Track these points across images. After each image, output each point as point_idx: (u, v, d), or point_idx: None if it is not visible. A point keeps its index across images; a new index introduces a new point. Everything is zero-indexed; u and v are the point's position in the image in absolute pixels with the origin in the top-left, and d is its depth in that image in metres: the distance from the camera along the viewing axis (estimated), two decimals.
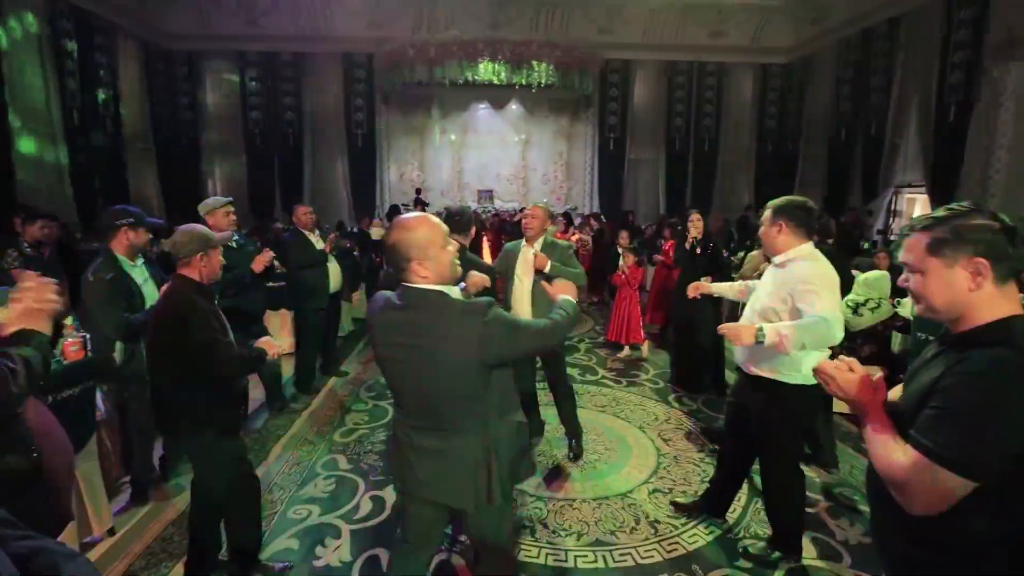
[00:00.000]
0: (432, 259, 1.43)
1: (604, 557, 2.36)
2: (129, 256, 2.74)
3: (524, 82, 10.88)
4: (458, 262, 1.54)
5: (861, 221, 9.93)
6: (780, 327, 1.91)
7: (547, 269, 2.99)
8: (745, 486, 2.93)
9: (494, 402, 1.50)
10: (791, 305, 2.01)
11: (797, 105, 12.60)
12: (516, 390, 1.64)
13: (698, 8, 11.86)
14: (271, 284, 4.76)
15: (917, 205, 10.19)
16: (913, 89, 9.53)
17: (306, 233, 4.19)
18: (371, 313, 1.57)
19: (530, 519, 2.64)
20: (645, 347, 5.49)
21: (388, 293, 1.56)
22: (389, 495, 2.84)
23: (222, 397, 2.06)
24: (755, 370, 2.16)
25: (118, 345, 2.67)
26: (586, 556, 2.36)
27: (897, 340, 4.22)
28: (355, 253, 5.44)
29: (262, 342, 2.15)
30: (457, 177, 13.40)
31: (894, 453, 1.00)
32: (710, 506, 2.64)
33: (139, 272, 2.79)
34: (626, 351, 5.47)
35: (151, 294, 2.75)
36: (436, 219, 1.52)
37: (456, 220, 2.82)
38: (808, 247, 2.10)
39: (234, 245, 3.40)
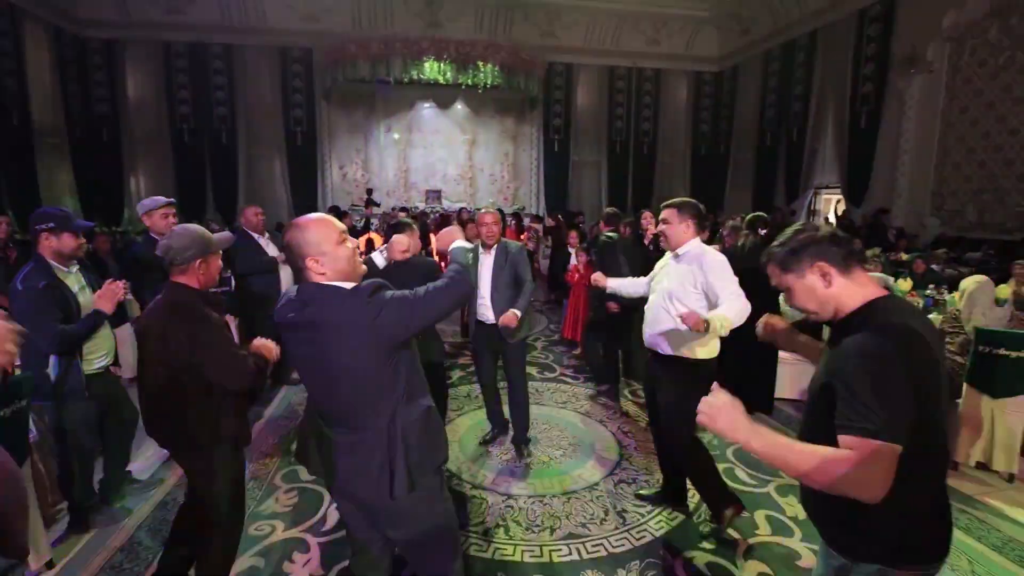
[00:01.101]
0: (327, 255, 1.44)
1: (578, 549, 2.43)
2: (61, 262, 2.52)
3: (470, 82, 10.88)
4: (360, 259, 1.56)
5: (785, 221, 10.68)
6: (721, 316, 2.17)
7: (512, 325, 3.04)
8: None
9: (400, 389, 1.47)
10: (701, 289, 2.35)
11: (727, 111, 13.40)
12: (422, 375, 1.60)
13: (634, 16, 12.33)
14: (213, 290, 4.53)
15: (833, 204, 11.10)
16: (829, 98, 10.38)
17: (255, 236, 3.98)
18: (277, 313, 1.53)
19: (503, 518, 2.68)
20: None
21: (292, 291, 1.54)
22: None
23: (236, 410, 1.94)
24: (667, 349, 2.43)
25: (52, 360, 2.45)
26: (560, 550, 2.43)
27: None
28: None
29: (258, 345, 2.02)
30: (403, 177, 13.18)
31: (822, 453, 1.05)
32: (667, 497, 2.79)
33: (74, 279, 2.57)
34: (580, 348, 5.61)
35: (88, 303, 2.55)
36: (331, 217, 1.54)
37: (395, 228, 2.81)
38: (699, 241, 2.45)
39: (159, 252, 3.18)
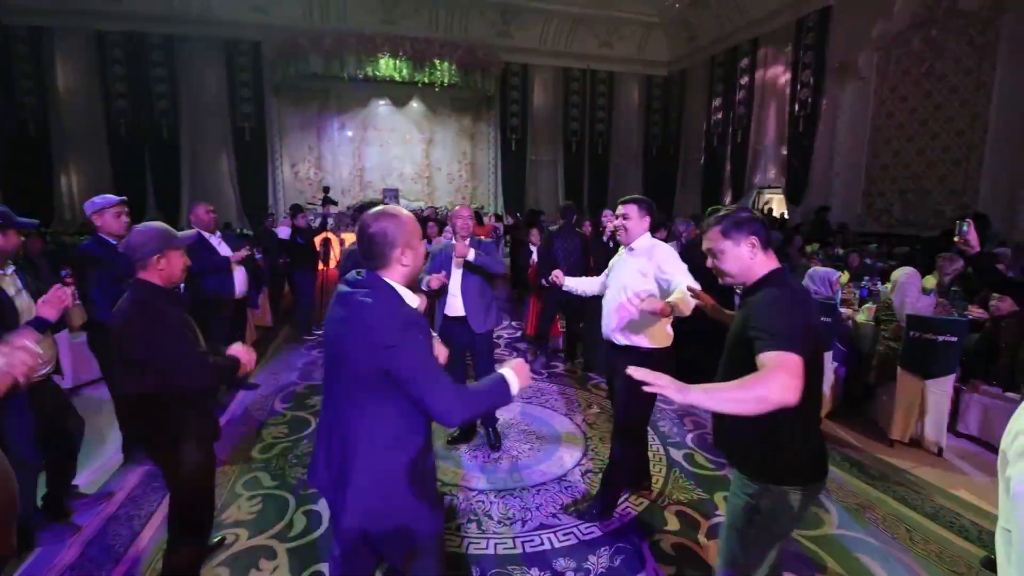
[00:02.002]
0: (414, 250, 1.44)
1: (549, 539, 2.49)
2: None
3: (426, 80, 10.79)
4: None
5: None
6: (679, 294, 2.26)
7: (470, 257, 3.10)
8: (663, 457, 3.25)
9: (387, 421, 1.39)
10: (653, 278, 2.49)
11: (677, 114, 13.86)
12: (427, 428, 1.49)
13: (587, 19, 12.58)
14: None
15: (775, 204, 11.71)
16: (770, 103, 10.93)
17: (206, 235, 3.81)
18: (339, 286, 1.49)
19: (475, 513, 2.70)
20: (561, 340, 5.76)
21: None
22: (325, 507, 2.73)
23: (198, 407, 1.94)
24: (623, 340, 2.54)
25: None
26: (532, 540, 2.48)
27: None
28: (256, 257, 5.04)
29: (235, 350, 1.98)
30: (359, 175, 12.91)
31: (748, 379, 1.25)
32: (631, 482, 2.87)
33: (9, 282, 2.40)
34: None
35: (26, 307, 2.38)
36: None
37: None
38: (650, 235, 2.60)
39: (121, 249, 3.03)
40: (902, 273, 3.46)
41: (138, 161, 10.75)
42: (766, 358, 1.29)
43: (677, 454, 3.31)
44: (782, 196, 10.91)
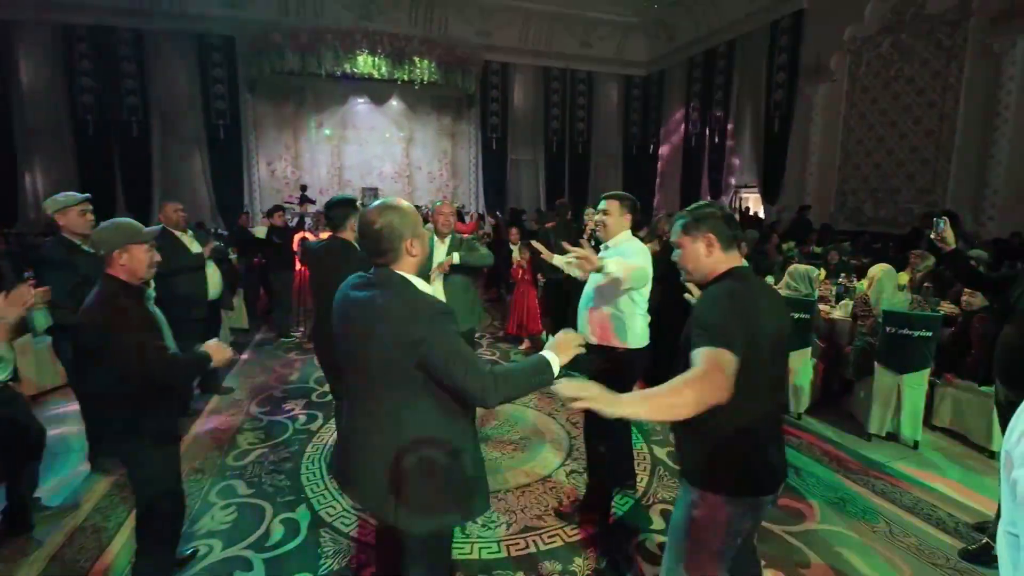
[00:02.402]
0: (420, 238, 1.43)
1: (534, 542, 2.45)
2: None
3: (405, 78, 10.66)
4: None
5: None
6: (615, 263, 2.28)
7: (455, 261, 3.07)
8: (648, 456, 3.25)
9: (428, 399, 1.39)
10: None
11: (655, 114, 13.99)
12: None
13: (567, 19, 12.59)
14: None
15: (751, 203, 11.90)
16: (747, 104, 11.10)
17: (177, 234, 3.68)
18: (342, 289, 1.50)
19: None
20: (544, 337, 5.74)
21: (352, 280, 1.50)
22: (303, 515, 2.65)
23: (155, 404, 1.87)
24: (595, 339, 2.51)
25: None
26: (517, 544, 2.44)
27: None
28: (231, 256, 4.91)
29: (209, 346, 1.93)
30: (337, 174, 12.69)
31: (679, 379, 1.20)
32: (617, 479, 2.85)
33: None
34: (526, 343, 5.67)
35: None
36: None
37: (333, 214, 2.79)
38: (629, 233, 2.55)
39: (89, 249, 2.90)
40: (878, 270, 3.53)
41: (106, 159, 10.38)
42: (697, 355, 1.24)
43: (661, 452, 3.29)
44: (758, 195, 11.09)
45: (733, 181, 11.66)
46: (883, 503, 2.77)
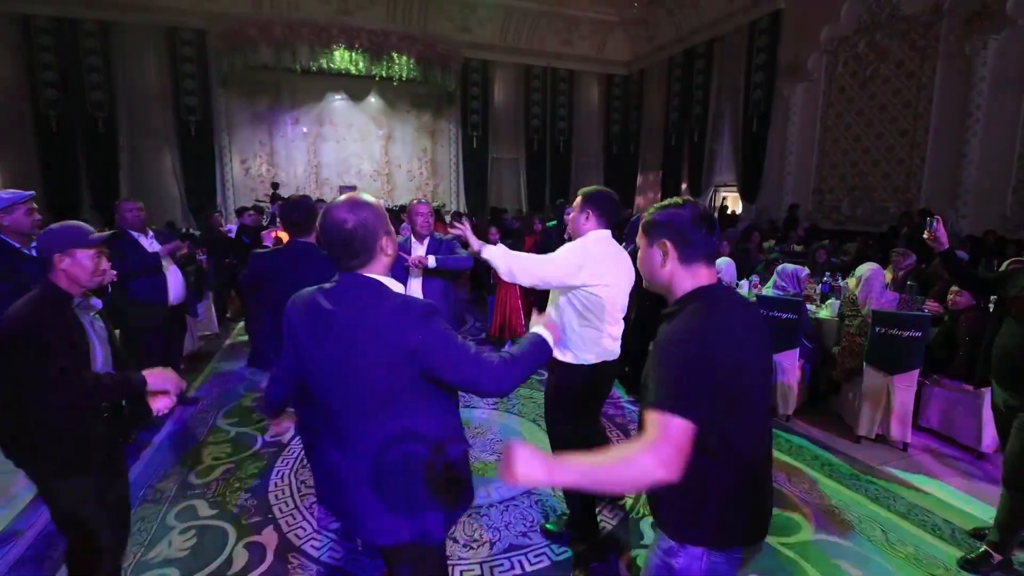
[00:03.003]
0: (392, 235, 1.31)
1: (520, 562, 2.31)
2: None
3: (384, 74, 10.44)
4: None
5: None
6: (498, 251, 2.11)
7: (431, 264, 2.89)
8: None
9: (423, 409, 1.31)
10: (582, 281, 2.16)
11: (636, 113, 13.99)
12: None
13: (548, 16, 12.50)
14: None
15: (730, 202, 11.97)
16: (726, 103, 11.16)
17: (134, 235, 3.44)
18: (293, 303, 1.35)
19: None
20: None
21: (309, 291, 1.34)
22: (270, 538, 2.45)
23: (63, 428, 1.63)
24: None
25: None
26: (501, 565, 2.30)
27: None
28: (200, 258, 4.65)
29: (154, 373, 1.72)
30: (314, 172, 12.39)
31: (621, 456, 1.02)
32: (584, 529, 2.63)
33: None
34: (508, 346, 5.54)
35: None
36: None
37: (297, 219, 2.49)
38: (596, 233, 2.20)
39: (35, 253, 2.66)
40: (866, 269, 3.48)
41: (71, 157, 9.95)
42: (649, 418, 1.06)
43: None
44: (737, 193, 11.16)
45: (713, 179, 11.71)
46: (877, 509, 2.71)
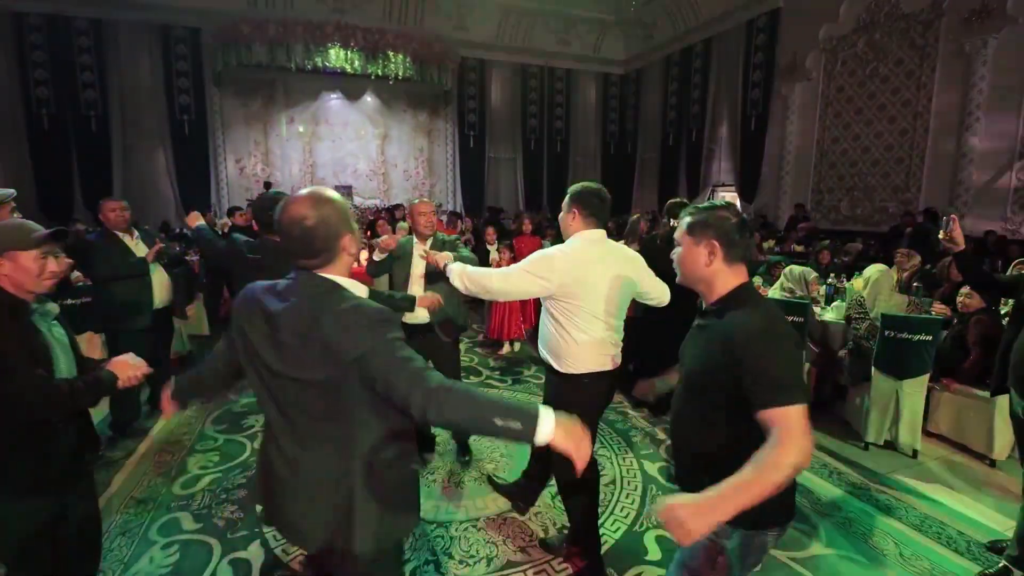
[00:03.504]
0: (354, 233, 1.24)
1: None
2: None
3: (380, 73, 10.35)
4: None
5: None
6: (460, 267, 2.04)
7: (442, 266, 2.73)
8: (637, 472, 3.04)
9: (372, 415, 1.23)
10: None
11: (633, 112, 13.92)
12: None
13: (545, 15, 12.42)
14: (70, 301, 3.78)
15: (727, 200, 11.90)
16: (723, 102, 11.10)
17: (119, 235, 3.32)
18: (242, 297, 1.29)
19: (432, 552, 2.39)
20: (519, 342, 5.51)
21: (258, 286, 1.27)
22: (256, 554, 2.34)
23: (20, 444, 1.47)
24: (542, 355, 2.15)
25: None
26: None
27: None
28: (189, 258, 4.54)
29: (115, 363, 1.59)
30: (310, 172, 12.27)
31: (763, 463, 1.06)
32: (523, 495, 2.59)
33: None
34: (507, 347, 5.44)
35: None
36: None
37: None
38: (586, 233, 2.02)
39: None
40: (875, 270, 3.39)
41: (63, 156, 9.83)
42: (775, 417, 1.10)
43: (652, 467, 3.09)
44: (735, 193, 11.09)
45: (711, 179, 11.64)
46: (890, 521, 2.61)
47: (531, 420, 1.07)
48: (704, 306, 1.37)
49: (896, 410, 3.16)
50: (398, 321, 1.20)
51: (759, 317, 1.21)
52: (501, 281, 1.96)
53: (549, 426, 1.07)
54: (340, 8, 10.76)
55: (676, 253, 1.38)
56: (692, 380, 1.35)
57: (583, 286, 1.93)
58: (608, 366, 2.05)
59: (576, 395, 2.04)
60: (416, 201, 2.99)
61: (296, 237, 1.15)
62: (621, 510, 2.68)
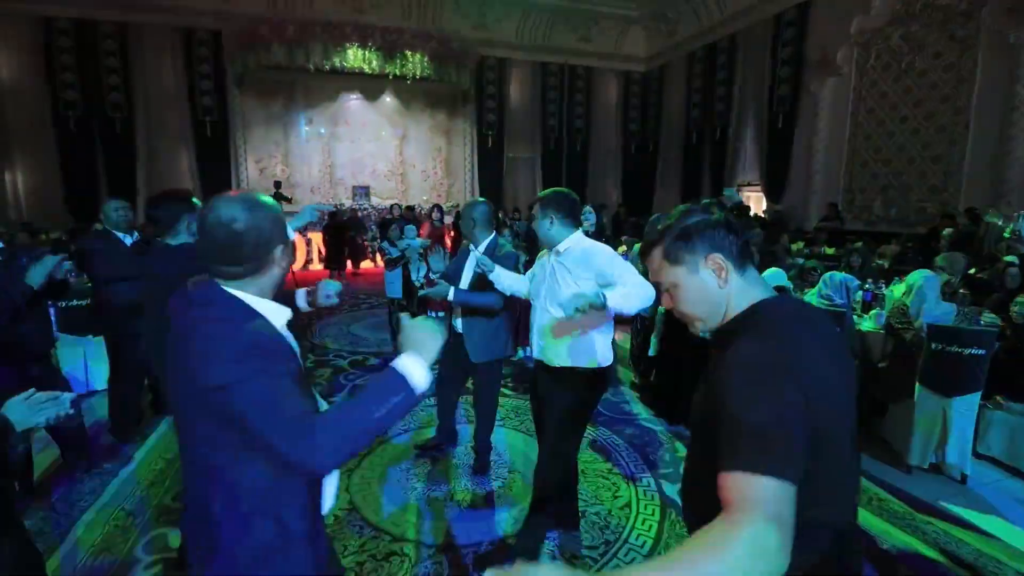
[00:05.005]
0: (287, 244, 1.11)
1: None
2: None
3: (398, 72, 10.32)
4: None
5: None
6: (617, 294, 1.94)
7: (450, 299, 2.65)
8: (655, 494, 2.82)
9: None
10: (596, 282, 2.07)
11: (655, 110, 13.63)
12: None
13: (565, 13, 12.23)
14: (72, 303, 3.72)
15: (753, 202, 11.53)
16: (749, 99, 10.75)
17: (120, 236, 3.24)
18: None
19: None
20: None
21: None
22: None
23: None
24: (558, 362, 2.19)
25: None
26: None
27: None
28: None
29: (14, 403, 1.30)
30: (329, 172, 12.31)
31: (710, 539, 0.71)
32: (557, 522, 2.43)
33: None
34: (519, 354, 5.26)
35: None
36: None
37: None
38: (579, 234, 2.20)
39: None
40: (921, 276, 3.12)
41: (89, 157, 10.07)
42: (731, 485, 0.77)
43: (672, 489, 2.85)
44: (761, 193, 10.74)
45: (736, 179, 11.30)
46: (941, 559, 2.33)
47: (401, 382, 0.98)
48: (713, 334, 1.04)
49: (943, 430, 2.89)
50: (289, 352, 1.03)
51: (752, 344, 0.88)
52: (645, 288, 1.98)
53: (417, 370, 1.00)
54: (359, 8, 10.76)
55: (673, 301, 1.03)
56: (695, 427, 1.06)
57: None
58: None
59: (598, 387, 2.23)
60: (470, 203, 2.90)
61: (223, 242, 1.00)
62: (636, 538, 2.46)
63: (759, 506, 0.72)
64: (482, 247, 2.75)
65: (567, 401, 2.19)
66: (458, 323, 2.82)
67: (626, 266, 2.07)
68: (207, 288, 1.04)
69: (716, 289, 0.97)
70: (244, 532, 1.01)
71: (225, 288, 1.04)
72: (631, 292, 1.95)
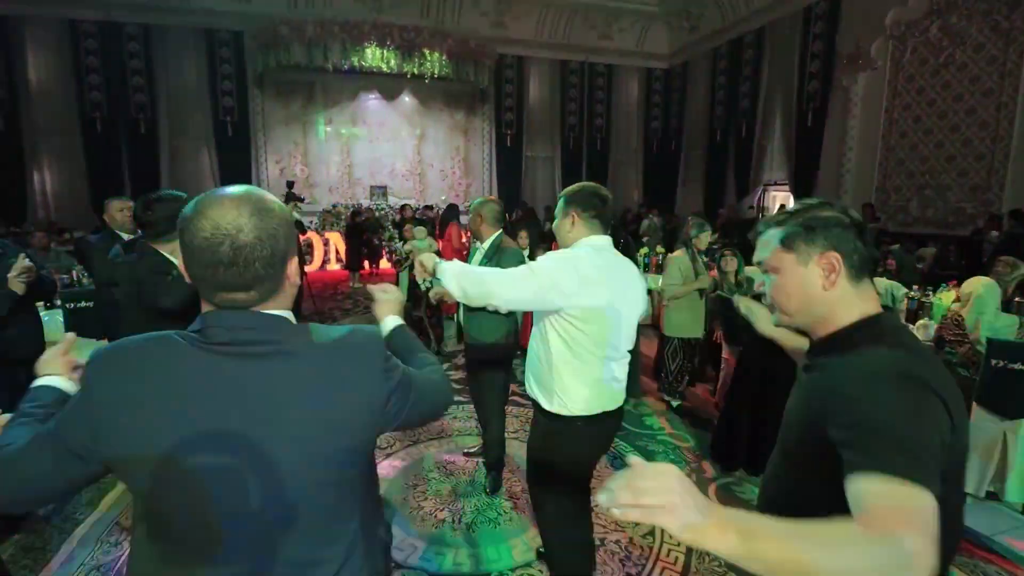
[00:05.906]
0: (295, 256, 0.89)
1: None
2: None
3: (416, 71, 10.24)
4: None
5: (739, 216, 10.66)
6: (456, 266, 1.60)
7: (430, 268, 2.42)
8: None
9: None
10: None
11: (678, 108, 13.32)
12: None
13: (585, 9, 12.02)
14: (74, 305, 3.67)
15: (779, 202, 11.17)
16: (777, 95, 10.39)
17: (123, 236, 3.17)
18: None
19: None
20: None
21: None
22: None
23: None
24: (532, 388, 1.80)
25: None
26: None
27: None
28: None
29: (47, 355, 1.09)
30: (347, 172, 12.31)
31: (849, 535, 0.64)
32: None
33: None
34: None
35: None
36: None
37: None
38: (592, 239, 1.70)
39: None
40: (978, 284, 2.86)
41: (115, 157, 10.22)
42: (871, 493, 0.69)
43: None
44: (789, 193, 10.38)
45: (762, 178, 10.95)
46: None
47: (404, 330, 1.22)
48: (812, 343, 1.00)
49: (1002, 456, 2.64)
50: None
51: (885, 356, 0.83)
52: (502, 284, 1.55)
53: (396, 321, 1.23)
54: (378, 7, 10.72)
55: (769, 285, 1.00)
56: (787, 442, 1.01)
57: (589, 300, 1.58)
58: (610, 406, 1.73)
59: (567, 441, 1.73)
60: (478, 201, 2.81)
61: (227, 259, 0.75)
62: (668, 553, 2.30)
63: (919, 517, 0.66)
64: (487, 244, 2.72)
65: (532, 448, 1.89)
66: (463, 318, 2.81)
67: (544, 262, 1.63)
68: (275, 322, 0.81)
69: (818, 289, 0.93)
70: None
71: (282, 316, 0.83)
72: (479, 273, 1.60)
